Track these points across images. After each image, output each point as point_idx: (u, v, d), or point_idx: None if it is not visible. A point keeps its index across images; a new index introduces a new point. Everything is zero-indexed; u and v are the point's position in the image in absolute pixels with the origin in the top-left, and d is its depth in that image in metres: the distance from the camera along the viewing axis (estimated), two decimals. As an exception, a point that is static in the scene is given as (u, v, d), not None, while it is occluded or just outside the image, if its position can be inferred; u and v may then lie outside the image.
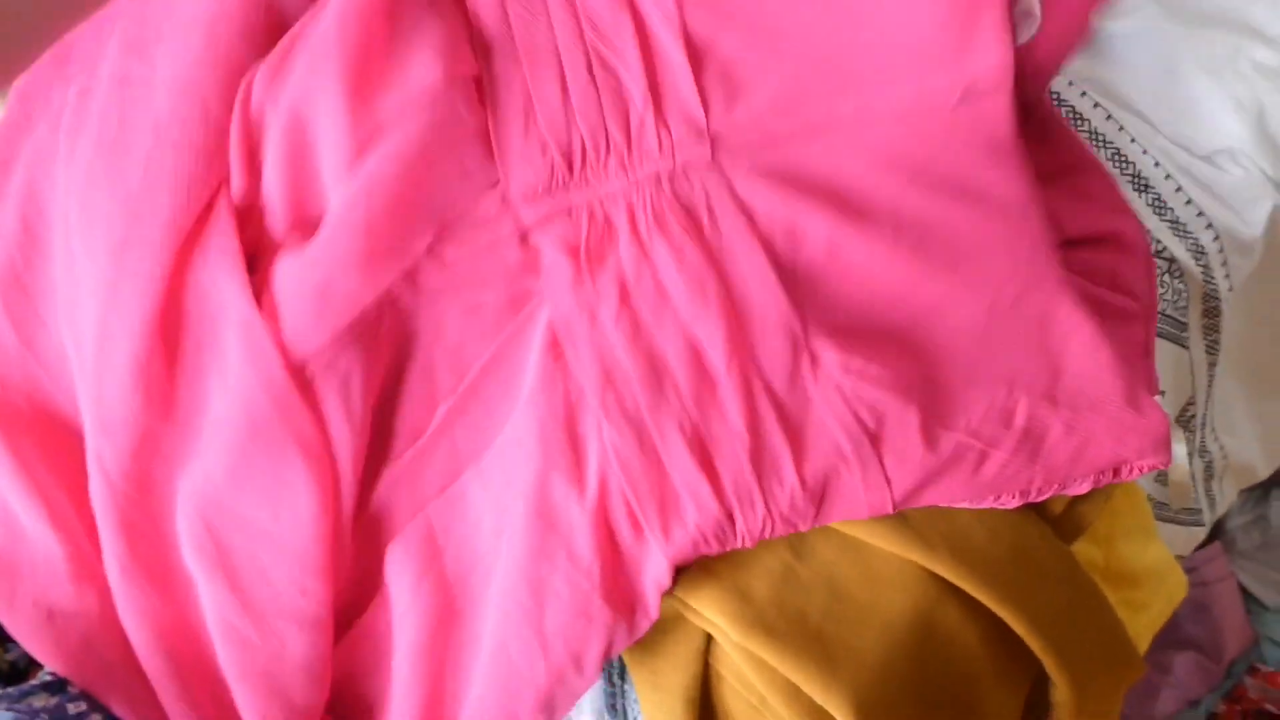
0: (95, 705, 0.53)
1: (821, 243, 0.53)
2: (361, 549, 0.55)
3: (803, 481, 0.51)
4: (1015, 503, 0.53)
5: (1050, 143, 0.60)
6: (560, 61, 0.53)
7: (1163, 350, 0.71)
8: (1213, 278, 0.71)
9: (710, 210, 0.54)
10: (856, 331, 0.53)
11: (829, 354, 0.51)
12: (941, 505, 0.53)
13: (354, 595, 0.56)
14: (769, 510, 0.51)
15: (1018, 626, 0.55)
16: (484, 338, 0.55)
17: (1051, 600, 0.56)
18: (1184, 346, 0.73)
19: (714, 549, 0.51)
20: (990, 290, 0.53)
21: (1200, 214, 0.70)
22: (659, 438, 0.51)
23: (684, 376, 0.52)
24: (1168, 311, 0.69)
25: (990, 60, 0.51)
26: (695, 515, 0.50)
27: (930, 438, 0.51)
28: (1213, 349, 0.76)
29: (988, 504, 0.53)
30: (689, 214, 0.54)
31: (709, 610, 0.54)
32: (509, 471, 0.52)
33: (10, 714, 0.51)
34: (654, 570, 0.51)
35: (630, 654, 0.57)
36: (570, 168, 0.53)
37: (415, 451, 0.55)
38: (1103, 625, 0.59)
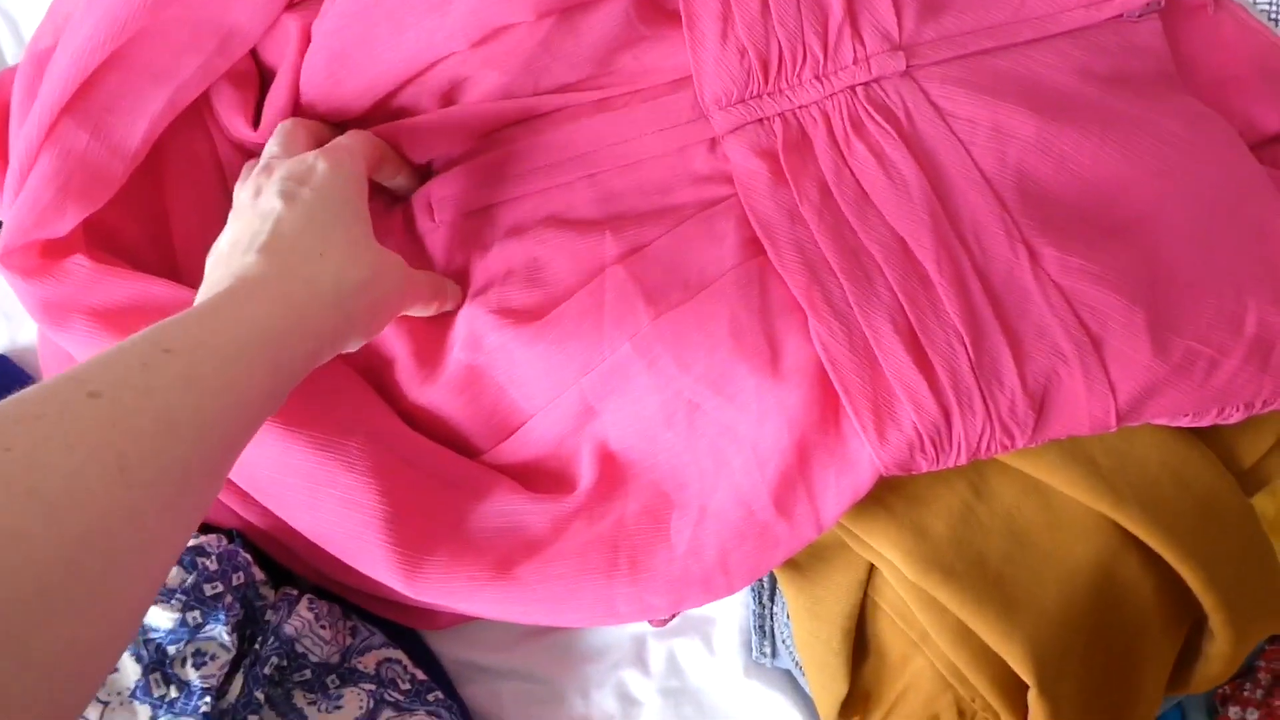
0: (230, 585, 0.51)
1: (1029, 139, 0.50)
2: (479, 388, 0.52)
3: (1024, 383, 0.47)
4: (1239, 416, 0.50)
5: (1234, 43, 0.57)
6: None
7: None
8: None
9: (908, 114, 0.52)
10: (1074, 230, 0.49)
11: (1047, 250, 0.48)
12: (1163, 420, 0.50)
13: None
14: (989, 413, 0.47)
15: (1195, 583, 0.52)
16: (662, 228, 0.51)
17: (1230, 557, 0.54)
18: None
19: (929, 457, 0.47)
20: (1206, 196, 0.50)
21: None
22: (871, 333, 0.47)
23: (893, 272, 0.48)
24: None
25: None
26: (912, 415, 0.46)
27: (1158, 342, 0.47)
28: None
29: (1210, 418, 0.50)
30: (887, 117, 0.51)
31: (882, 545, 0.51)
32: (686, 357, 0.48)
33: None
34: (852, 478, 0.47)
35: (789, 581, 0.55)
36: (766, 75, 0.52)
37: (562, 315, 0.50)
38: (1270, 583, 0.56)
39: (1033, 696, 0.51)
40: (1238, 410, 0.50)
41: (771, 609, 0.57)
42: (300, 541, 0.50)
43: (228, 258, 0.41)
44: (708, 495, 0.49)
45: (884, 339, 0.47)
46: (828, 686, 0.55)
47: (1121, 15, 0.55)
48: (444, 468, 0.50)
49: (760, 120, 0.52)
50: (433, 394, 0.51)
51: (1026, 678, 0.50)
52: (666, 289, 0.50)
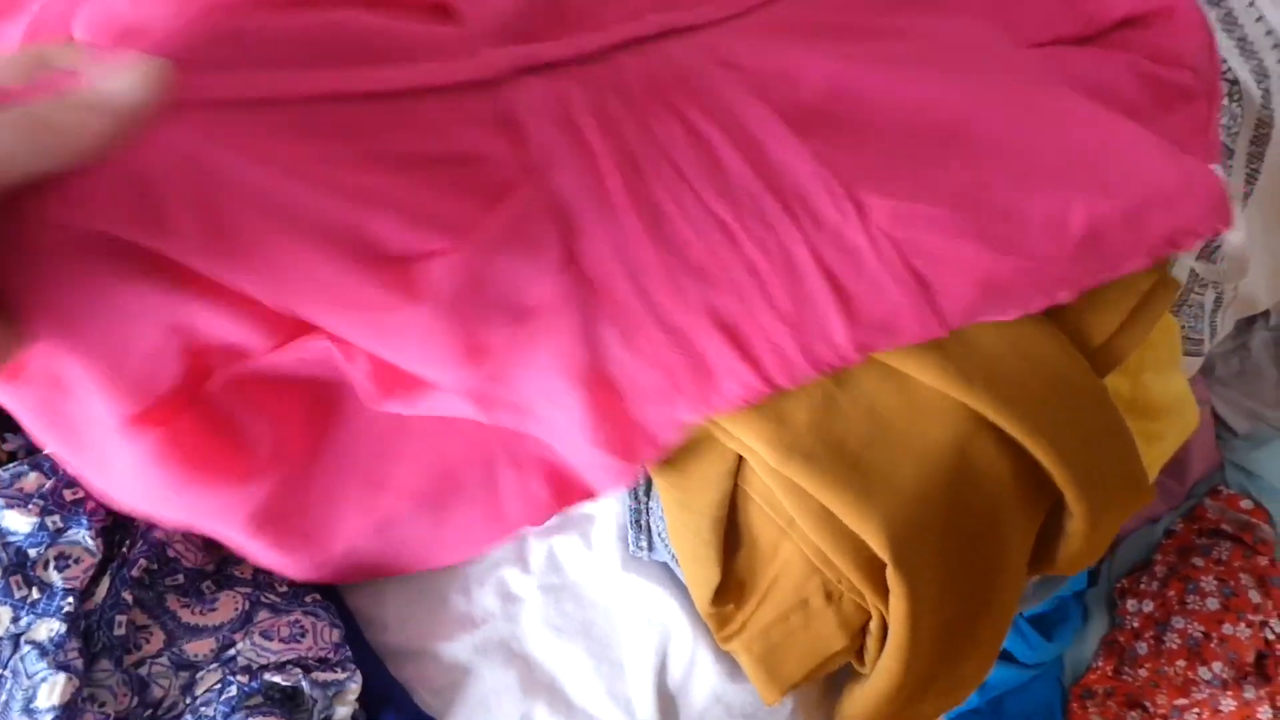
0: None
1: (821, 81, 0.49)
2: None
3: (855, 343, 0.49)
4: (1069, 296, 0.51)
5: None
6: None
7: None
8: (1270, 103, 0.67)
9: (704, 76, 0.48)
10: (892, 168, 0.49)
11: (873, 199, 0.47)
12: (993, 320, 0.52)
13: None
14: (818, 370, 0.49)
15: (1045, 460, 0.54)
16: (450, 201, 0.44)
17: (1081, 436, 0.56)
18: (1225, 175, 0.70)
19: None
20: (1005, 99, 0.50)
21: (1269, 32, 0.66)
22: (695, 330, 0.47)
23: (714, 256, 0.47)
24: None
25: None
26: (737, 390, 0.48)
27: (989, 269, 0.48)
28: (1252, 179, 0.74)
29: (1040, 304, 0.51)
30: (684, 81, 0.48)
31: (746, 434, 0.52)
32: (519, 389, 0.47)
33: (0, 500, 0.48)
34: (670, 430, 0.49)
35: (660, 475, 0.56)
36: (547, 14, 0.47)
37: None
38: (1124, 460, 0.59)
39: (890, 572, 0.53)
40: (1068, 293, 0.51)
41: (647, 503, 0.58)
42: None
43: None
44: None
45: (705, 336, 0.47)
46: (701, 576, 0.57)
47: None
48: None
49: (545, 70, 0.46)
50: None
51: (882, 554, 0.52)
52: (488, 318, 0.43)
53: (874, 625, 0.57)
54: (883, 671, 0.56)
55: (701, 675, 0.59)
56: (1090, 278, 0.50)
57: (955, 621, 0.58)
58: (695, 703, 0.60)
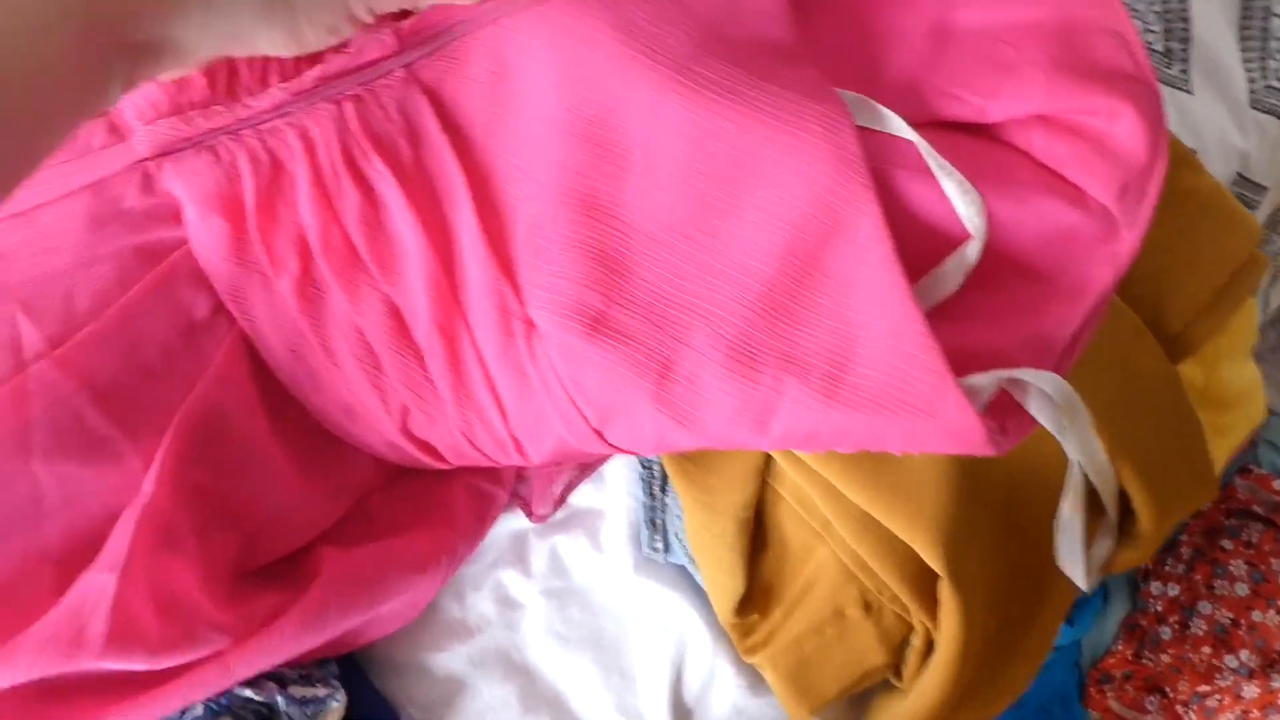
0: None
1: (552, 166, 0.39)
2: None
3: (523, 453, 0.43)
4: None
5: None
6: None
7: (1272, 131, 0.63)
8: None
9: (413, 134, 0.40)
10: (578, 294, 0.38)
11: (549, 324, 0.38)
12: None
13: None
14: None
15: (1118, 464, 0.48)
16: (100, 296, 0.40)
17: (1153, 434, 0.50)
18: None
19: None
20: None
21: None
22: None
23: (388, 350, 0.41)
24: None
25: None
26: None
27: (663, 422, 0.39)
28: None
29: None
30: (384, 148, 0.40)
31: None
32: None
33: None
34: None
35: (680, 471, 0.50)
36: (211, 81, 0.38)
37: None
38: (1195, 458, 0.53)
39: (944, 587, 0.47)
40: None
41: (663, 500, 0.52)
42: None
43: None
44: None
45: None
46: (723, 583, 0.51)
47: None
48: None
49: (211, 147, 0.39)
50: None
51: (936, 565, 0.46)
52: (120, 388, 0.40)
53: (918, 640, 0.51)
54: (928, 689, 0.51)
55: (721, 688, 0.54)
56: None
57: (1001, 634, 0.52)
58: (714, 718, 0.54)
